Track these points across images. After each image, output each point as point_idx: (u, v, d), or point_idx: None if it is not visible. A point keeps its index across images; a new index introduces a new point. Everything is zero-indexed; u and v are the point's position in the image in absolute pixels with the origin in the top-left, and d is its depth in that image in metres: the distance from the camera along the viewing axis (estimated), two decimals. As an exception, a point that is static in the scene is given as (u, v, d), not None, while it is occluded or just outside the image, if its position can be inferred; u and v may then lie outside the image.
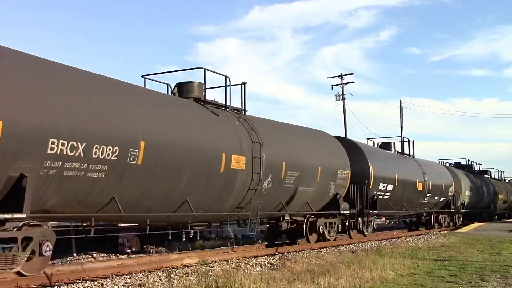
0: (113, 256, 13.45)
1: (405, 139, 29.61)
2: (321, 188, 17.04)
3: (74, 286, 8.64)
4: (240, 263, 11.62)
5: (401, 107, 44.19)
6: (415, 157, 28.71)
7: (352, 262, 11.74)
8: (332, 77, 42.45)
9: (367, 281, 9.34)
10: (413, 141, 28.80)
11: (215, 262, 11.75)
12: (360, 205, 19.69)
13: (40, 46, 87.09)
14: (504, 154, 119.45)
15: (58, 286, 8.62)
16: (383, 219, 31.67)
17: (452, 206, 30.85)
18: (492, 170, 42.23)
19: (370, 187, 20.31)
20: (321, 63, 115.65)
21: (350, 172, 18.67)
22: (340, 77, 41.46)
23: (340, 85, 41.31)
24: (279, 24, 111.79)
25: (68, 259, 12.68)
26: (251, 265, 11.59)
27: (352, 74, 50.42)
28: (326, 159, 17.45)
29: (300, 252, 14.43)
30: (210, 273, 9.35)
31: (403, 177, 23.66)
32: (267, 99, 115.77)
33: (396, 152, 26.99)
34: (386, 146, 26.67)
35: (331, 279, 8.88)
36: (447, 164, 36.73)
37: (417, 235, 22.83)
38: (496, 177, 42.47)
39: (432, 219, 28.83)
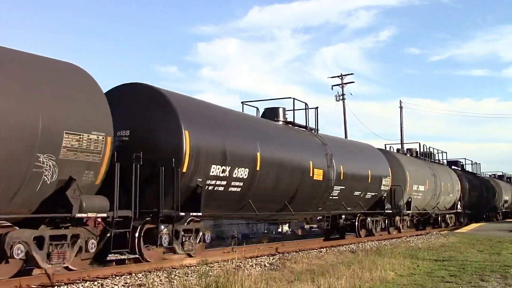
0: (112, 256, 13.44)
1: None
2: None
3: (74, 286, 8.65)
4: (240, 263, 11.62)
5: (401, 107, 44.18)
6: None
7: (352, 262, 11.74)
8: (332, 77, 42.48)
9: (367, 281, 9.35)
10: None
11: (215, 262, 11.75)
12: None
13: (40, 46, 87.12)
14: (504, 154, 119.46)
15: (58, 286, 8.63)
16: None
17: (388, 205, 22.27)
18: (463, 160, 40.92)
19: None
20: (321, 63, 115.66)
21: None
22: (340, 77, 41.47)
23: (340, 85, 41.32)
24: (279, 24, 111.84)
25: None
26: (251, 265, 11.60)
27: (352, 74, 50.39)
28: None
29: (300, 252, 14.43)
30: (210, 273, 9.35)
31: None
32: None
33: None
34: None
35: (331, 279, 8.89)
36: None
37: (417, 235, 22.81)
38: (470, 169, 41.64)
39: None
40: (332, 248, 16.03)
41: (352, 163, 19.65)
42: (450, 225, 31.21)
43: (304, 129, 18.21)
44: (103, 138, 9.36)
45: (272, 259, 12.80)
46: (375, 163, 21.77)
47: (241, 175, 13.33)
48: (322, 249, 15.67)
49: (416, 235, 22.85)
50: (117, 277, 9.50)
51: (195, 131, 11.79)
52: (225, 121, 13.73)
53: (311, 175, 16.60)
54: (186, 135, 11.44)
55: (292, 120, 17.79)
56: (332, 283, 8.62)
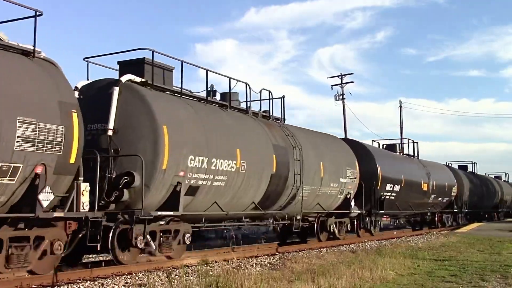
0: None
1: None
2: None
3: (74, 286, 8.64)
4: (240, 263, 11.61)
5: (400, 107, 44.18)
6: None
7: (352, 262, 11.74)
8: (331, 77, 42.52)
9: (367, 281, 9.34)
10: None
11: (216, 262, 11.75)
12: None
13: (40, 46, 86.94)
14: (502, 154, 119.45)
15: (58, 286, 8.62)
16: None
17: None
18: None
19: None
20: (318, 64, 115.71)
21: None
22: (340, 77, 41.47)
23: (340, 85, 41.31)
24: (275, 25, 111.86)
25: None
26: (251, 265, 11.59)
27: (351, 74, 50.40)
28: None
29: (300, 252, 14.42)
30: (211, 273, 9.35)
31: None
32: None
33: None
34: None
35: (332, 279, 8.88)
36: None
37: (417, 235, 22.83)
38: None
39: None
40: (332, 248, 16.03)
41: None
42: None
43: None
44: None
45: (272, 259, 12.79)
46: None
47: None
48: (322, 249, 15.66)
49: (416, 235, 22.84)
50: (118, 277, 9.50)
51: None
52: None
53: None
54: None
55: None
56: (333, 283, 8.62)
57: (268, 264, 11.93)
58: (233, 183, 12.97)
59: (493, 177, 48.58)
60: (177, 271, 9.94)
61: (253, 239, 19.40)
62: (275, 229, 17.20)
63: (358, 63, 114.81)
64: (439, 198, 29.17)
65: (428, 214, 28.65)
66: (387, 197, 22.36)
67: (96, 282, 8.96)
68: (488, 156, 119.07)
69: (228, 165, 12.65)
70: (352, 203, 19.47)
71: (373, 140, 28.03)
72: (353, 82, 42.85)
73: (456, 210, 32.14)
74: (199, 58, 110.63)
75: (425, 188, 26.58)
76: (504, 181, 51.65)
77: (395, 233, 25.87)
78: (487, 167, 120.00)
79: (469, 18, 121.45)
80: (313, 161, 16.70)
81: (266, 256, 13.39)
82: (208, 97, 13.77)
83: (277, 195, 15.08)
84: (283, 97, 16.97)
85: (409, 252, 14.66)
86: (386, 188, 22.13)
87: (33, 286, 8.65)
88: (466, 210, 34.33)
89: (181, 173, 11.27)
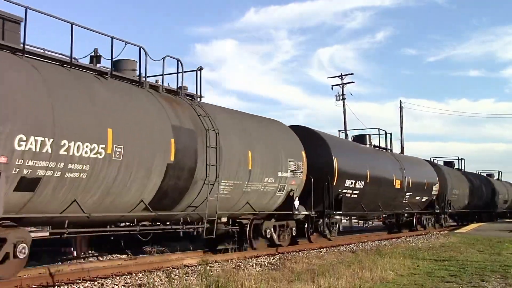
0: (110, 256, 13.44)
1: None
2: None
3: (74, 286, 8.64)
4: (240, 263, 11.61)
5: (401, 107, 44.20)
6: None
7: (352, 262, 11.74)
8: (332, 77, 42.61)
9: (367, 281, 9.34)
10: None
11: (216, 262, 11.74)
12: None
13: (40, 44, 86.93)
14: (502, 154, 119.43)
15: (58, 286, 8.62)
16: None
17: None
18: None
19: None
20: (318, 64, 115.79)
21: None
22: (340, 77, 41.50)
23: (340, 85, 41.34)
24: (275, 26, 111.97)
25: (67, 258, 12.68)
26: (251, 265, 11.59)
27: (352, 74, 50.47)
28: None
29: (301, 252, 14.44)
30: (211, 273, 9.35)
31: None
32: (264, 100, 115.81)
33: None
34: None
35: (331, 279, 8.89)
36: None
37: (417, 235, 22.77)
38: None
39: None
40: (332, 248, 16.03)
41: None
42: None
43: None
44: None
45: (272, 259, 12.79)
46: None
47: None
48: (322, 249, 15.66)
49: (416, 235, 22.80)
50: (117, 277, 9.50)
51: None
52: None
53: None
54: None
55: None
56: (332, 283, 8.63)
57: (268, 264, 11.94)
58: (101, 174, 9.56)
59: (485, 175, 45.58)
60: (177, 271, 9.94)
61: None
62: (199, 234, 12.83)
63: (358, 63, 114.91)
64: (417, 197, 25.61)
65: (405, 215, 25.19)
66: (347, 195, 18.72)
67: (96, 282, 8.97)
68: (489, 156, 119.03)
69: (92, 150, 9.33)
70: (296, 203, 15.41)
71: (339, 131, 24.86)
72: (354, 82, 42.91)
73: (438, 211, 28.37)
74: (199, 58, 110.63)
75: (397, 185, 22.98)
76: (496, 179, 48.35)
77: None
78: (487, 167, 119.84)
79: (469, 18, 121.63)
80: (238, 150, 13.12)
81: (266, 256, 13.39)
82: (88, 64, 11.19)
83: (181, 192, 11.64)
84: (200, 69, 13.55)
85: (409, 252, 14.66)
86: (346, 185, 18.40)
87: (33, 286, 8.65)
88: (451, 211, 30.56)
89: (2, 159, 8.19)
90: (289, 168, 15.17)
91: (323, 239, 17.89)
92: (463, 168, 37.85)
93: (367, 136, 23.74)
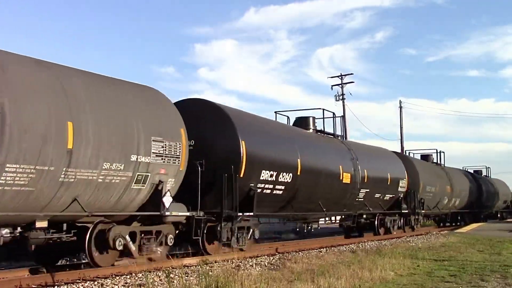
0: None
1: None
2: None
3: (74, 286, 8.64)
4: (240, 263, 11.61)
5: (400, 107, 44.25)
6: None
7: (352, 262, 11.75)
8: (332, 77, 42.57)
9: (367, 281, 9.35)
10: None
11: (215, 262, 11.74)
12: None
13: (39, 46, 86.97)
14: (502, 154, 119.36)
15: (58, 286, 8.62)
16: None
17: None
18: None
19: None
20: (317, 64, 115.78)
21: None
22: (340, 77, 41.51)
23: (340, 85, 41.35)
24: (275, 25, 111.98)
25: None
26: (251, 265, 11.59)
27: (352, 74, 50.44)
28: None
29: (300, 252, 14.44)
30: (210, 273, 9.35)
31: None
32: (264, 100, 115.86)
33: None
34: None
35: (331, 279, 8.89)
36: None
37: (417, 235, 22.62)
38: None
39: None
40: (332, 248, 16.03)
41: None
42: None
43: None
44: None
45: (272, 259, 12.79)
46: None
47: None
48: (322, 249, 15.66)
49: (416, 235, 22.68)
50: (117, 277, 9.50)
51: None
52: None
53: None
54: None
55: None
56: (332, 283, 8.63)
57: (268, 264, 11.94)
58: None
59: (471, 171, 41.15)
60: (176, 271, 9.94)
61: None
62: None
63: (358, 63, 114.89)
64: (377, 195, 21.08)
65: (364, 216, 20.91)
66: (265, 191, 14.07)
67: (96, 282, 8.96)
68: (489, 156, 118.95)
69: None
70: (166, 199, 11.04)
71: (275, 112, 18.85)
72: (353, 82, 42.83)
73: (406, 211, 23.59)
74: (199, 58, 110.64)
75: (346, 180, 18.34)
76: (484, 176, 43.64)
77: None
78: (483, 166, 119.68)
79: (468, 18, 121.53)
80: (46, 120, 8.71)
81: (266, 256, 13.39)
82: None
83: None
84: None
85: (409, 252, 14.67)
86: (262, 177, 13.74)
87: (33, 286, 8.65)
88: (424, 211, 25.69)
89: None
90: (153, 151, 10.79)
91: (227, 250, 13.32)
92: (442, 163, 32.26)
93: (311, 119, 18.73)
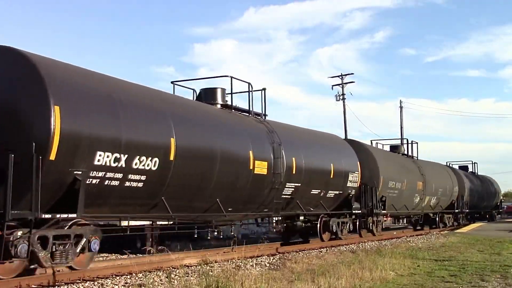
0: (111, 256, 13.45)
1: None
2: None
3: (74, 286, 8.64)
4: (241, 263, 11.61)
5: (401, 107, 44.27)
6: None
7: (352, 262, 11.74)
8: (332, 77, 42.60)
9: (367, 281, 9.35)
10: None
11: (216, 262, 11.74)
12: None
13: (36, 45, 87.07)
14: (502, 154, 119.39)
15: (58, 286, 8.62)
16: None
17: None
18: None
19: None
20: (317, 64, 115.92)
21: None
22: (340, 77, 41.52)
23: (340, 85, 41.34)
24: (275, 25, 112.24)
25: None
26: (252, 265, 11.59)
27: (352, 74, 50.47)
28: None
29: (300, 252, 14.44)
30: (211, 273, 9.35)
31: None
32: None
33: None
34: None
35: (331, 279, 8.89)
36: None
37: (417, 235, 22.79)
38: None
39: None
40: (332, 248, 16.03)
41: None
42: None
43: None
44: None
45: (272, 259, 12.79)
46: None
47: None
48: (322, 249, 15.66)
49: (416, 235, 22.77)
50: (117, 277, 9.50)
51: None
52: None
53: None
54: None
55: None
56: (332, 283, 8.63)
57: (268, 264, 11.94)
58: None
59: (457, 167, 36.74)
60: (177, 271, 9.94)
61: (253, 239, 17.32)
62: None
63: (358, 63, 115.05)
64: (315, 191, 16.60)
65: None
66: (109, 181, 9.66)
67: (96, 282, 8.96)
68: (489, 156, 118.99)
69: None
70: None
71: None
72: (354, 82, 42.80)
73: (359, 211, 19.46)
74: (199, 58, 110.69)
75: (260, 170, 13.82)
76: (470, 172, 39.43)
77: (395, 233, 24.02)
78: (485, 167, 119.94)
79: (467, 18, 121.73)
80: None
81: (266, 256, 13.39)
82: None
83: None
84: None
85: (409, 252, 14.67)
86: (97, 161, 9.28)
87: (33, 286, 8.64)
88: (384, 212, 21.75)
89: None
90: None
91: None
92: (415, 156, 28.17)
93: (219, 91, 14.66)
